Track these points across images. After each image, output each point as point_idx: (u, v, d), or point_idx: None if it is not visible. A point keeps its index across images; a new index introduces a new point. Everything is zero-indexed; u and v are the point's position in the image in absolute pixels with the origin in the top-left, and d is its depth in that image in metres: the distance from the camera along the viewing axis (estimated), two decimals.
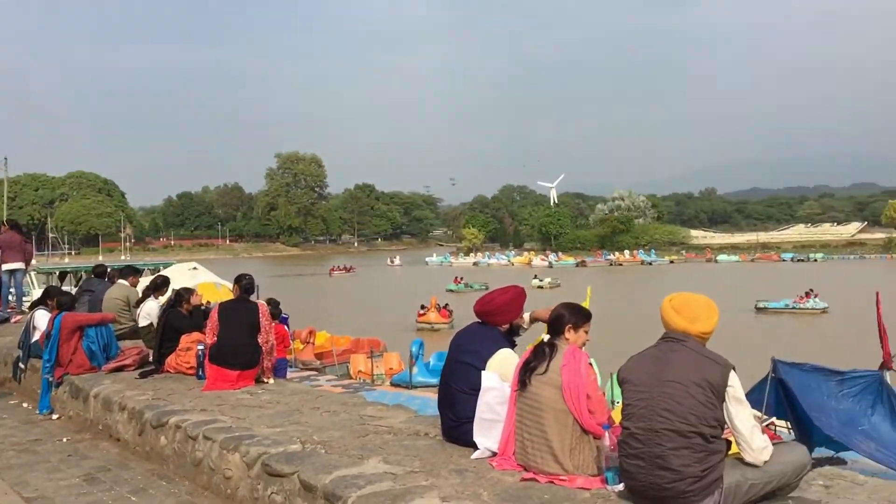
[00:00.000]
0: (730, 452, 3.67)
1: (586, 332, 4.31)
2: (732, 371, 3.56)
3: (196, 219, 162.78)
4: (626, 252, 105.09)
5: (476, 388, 4.51)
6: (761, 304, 40.38)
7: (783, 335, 31.69)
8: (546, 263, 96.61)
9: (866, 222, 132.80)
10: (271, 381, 7.35)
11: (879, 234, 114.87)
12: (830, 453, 12.32)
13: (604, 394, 4.81)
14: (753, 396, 12.01)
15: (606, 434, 3.90)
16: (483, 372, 4.52)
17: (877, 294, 12.55)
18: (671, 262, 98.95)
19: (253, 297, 7.68)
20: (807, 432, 11.92)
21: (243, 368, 7.03)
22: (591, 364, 4.14)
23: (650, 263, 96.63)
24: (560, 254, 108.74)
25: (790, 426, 12.08)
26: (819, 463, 12.30)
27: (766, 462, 3.57)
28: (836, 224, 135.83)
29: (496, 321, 4.87)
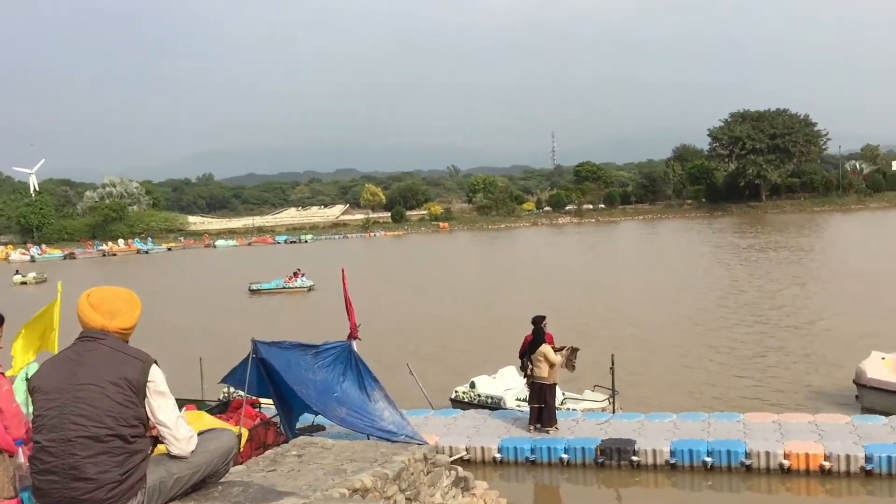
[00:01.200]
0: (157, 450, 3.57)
1: None
2: (154, 365, 3.45)
3: None
4: (121, 241, 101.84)
5: None
6: (255, 286, 41.93)
7: (274, 315, 33.31)
8: (28, 257, 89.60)
9: (349, 205, 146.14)
10: None
11: (359, 215, 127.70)
12: (311, 421, 13.29)
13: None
14: (237, 376, 12.36)
15: (20, 451, 3.50)
16: None
17: (342, 271, 13.82)
18: (169, 249, 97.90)
19: None
20: (289, 405, 12.65)
21: None
22: (3, 374, 3.67)
23: (147, 252, 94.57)
24: (44, 246, 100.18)
25: (274, 401, 12.71)
26: (301, 432, 13.09)
27: (192, 453, 3.54)
28: (323, 207, 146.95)
29: None
